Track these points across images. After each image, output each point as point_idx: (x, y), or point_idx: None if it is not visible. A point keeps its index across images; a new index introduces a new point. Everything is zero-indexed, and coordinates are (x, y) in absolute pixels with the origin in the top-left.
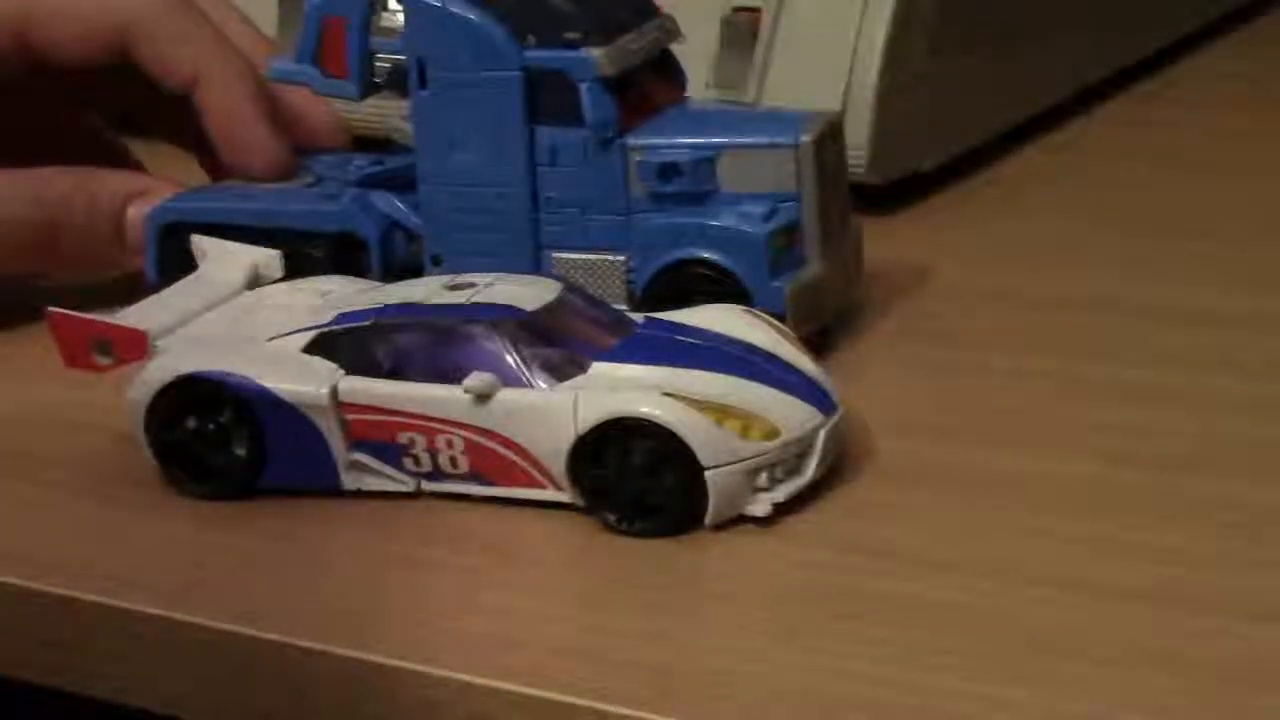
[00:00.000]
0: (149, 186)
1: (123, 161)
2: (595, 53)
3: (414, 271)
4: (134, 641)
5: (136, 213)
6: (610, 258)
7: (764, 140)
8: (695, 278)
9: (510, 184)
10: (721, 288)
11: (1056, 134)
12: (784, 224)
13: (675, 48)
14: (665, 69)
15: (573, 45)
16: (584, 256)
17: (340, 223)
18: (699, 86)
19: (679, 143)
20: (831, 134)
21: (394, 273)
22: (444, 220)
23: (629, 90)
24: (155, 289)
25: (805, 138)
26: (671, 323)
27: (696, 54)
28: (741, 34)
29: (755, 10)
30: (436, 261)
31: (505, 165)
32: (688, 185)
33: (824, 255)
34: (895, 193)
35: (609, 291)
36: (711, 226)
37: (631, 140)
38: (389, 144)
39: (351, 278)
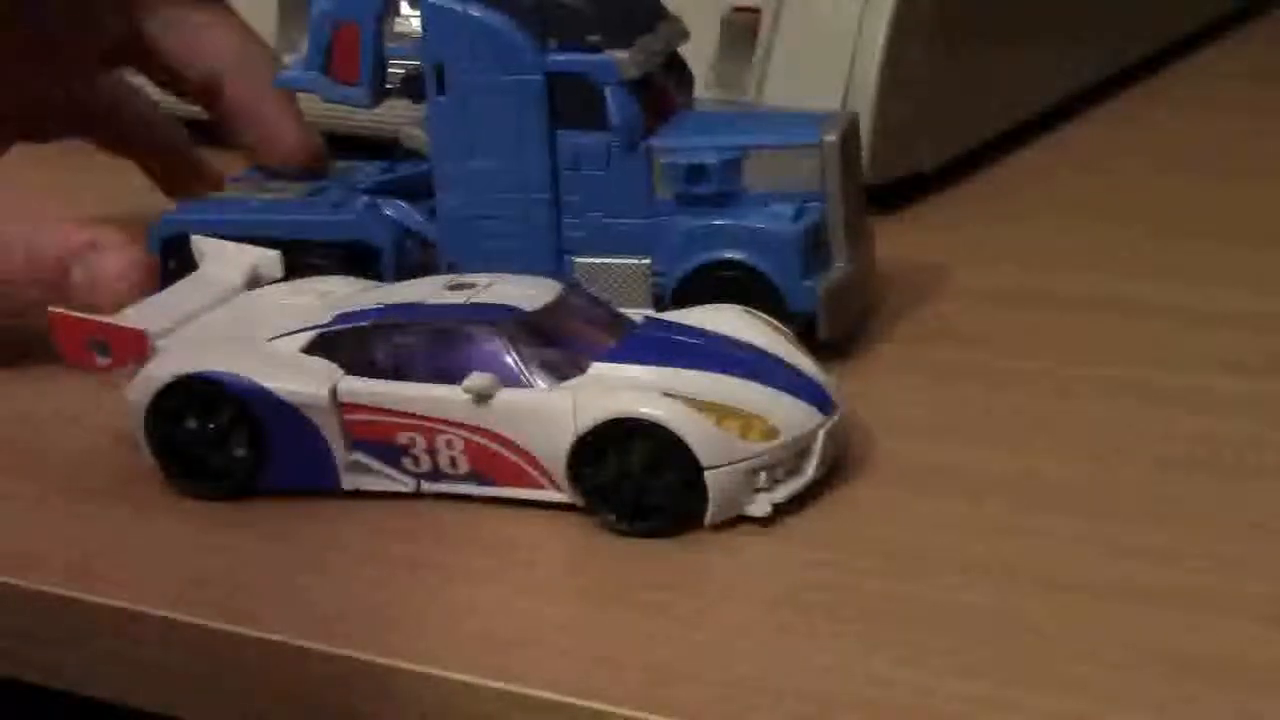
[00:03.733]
0: (92, 240)
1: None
2: (619, 56)
3: None
4: (133, 641)
5: (81, 273)
6: (635, 261)
7: (791, 140)
8: (726, 280)
9: (532, 189)
10: (753, 289)
11: (1056, 134)
12: (813, 224)
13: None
14: (676, 71)
15: (595, 48)
16: (608, 261)
17: (352, 232)
18: (699, 86)
19: (706, 145)
20: (853, 133)
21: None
22: (463, 226)
23: (647, 93)
24: None
25: (830, 137)
26: (671, 323)
27: (696, 54)
28: (741, 34)
29: (755, 10)
30: (454, 269)
31: (527, 170)
32: (715, 187)
33: (850, 255)
34: (895, 193)
35: (634, 296)
36: (743, 228)
37: (656, 143)
38: (395, 146)
39: (351, 278)
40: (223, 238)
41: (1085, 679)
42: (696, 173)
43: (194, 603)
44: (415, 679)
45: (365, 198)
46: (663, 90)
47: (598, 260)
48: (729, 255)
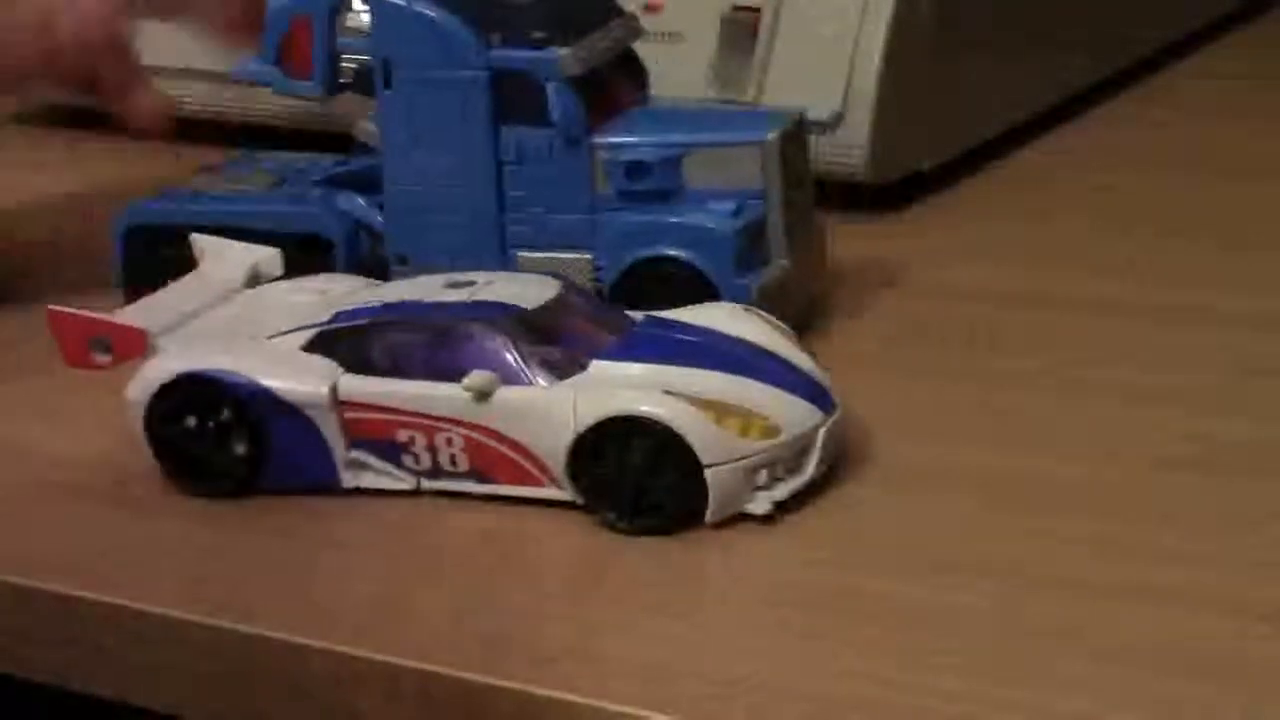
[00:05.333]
0: None
1: None
2: (561, 52)
3: (378, 271)
4: (134, 641)
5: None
6: (576, 256)
7: (730, 138)
8: (663, 275)
9: (476, 183)
10: (689, 285)
11: (1056, 134)
12: (751, 221)
13: (675, 47)
14: (629, 68)
15: (539, 45)
16: (550, 255)
17: (306, 224)
18: (699, 86)
19: (646, 141)
20: (796, 132)
21: (359, 273)
22: (410, 220)
23: (594, 89)
24: (121, 290)
25: (770, 135)
26: (671, 321)
27: (696, 54)
28: (741, 34)
29: (755, 10)
30: (402, 261)
31: (471, 165)
32: (655, 184)
33: (790, 251)
34: (895, 193)
35: None
36: (679, 224)
37: (598, 139)
38: (351, 142)
39: (352, 277)
40: (181, 229)
41: (1085, 679)
42: (636, 169)
43: (194, 601)
44: (415, 676)
45: (319, 190)
46: (612, 87)
47: (540, 255)
48: (665, 251)
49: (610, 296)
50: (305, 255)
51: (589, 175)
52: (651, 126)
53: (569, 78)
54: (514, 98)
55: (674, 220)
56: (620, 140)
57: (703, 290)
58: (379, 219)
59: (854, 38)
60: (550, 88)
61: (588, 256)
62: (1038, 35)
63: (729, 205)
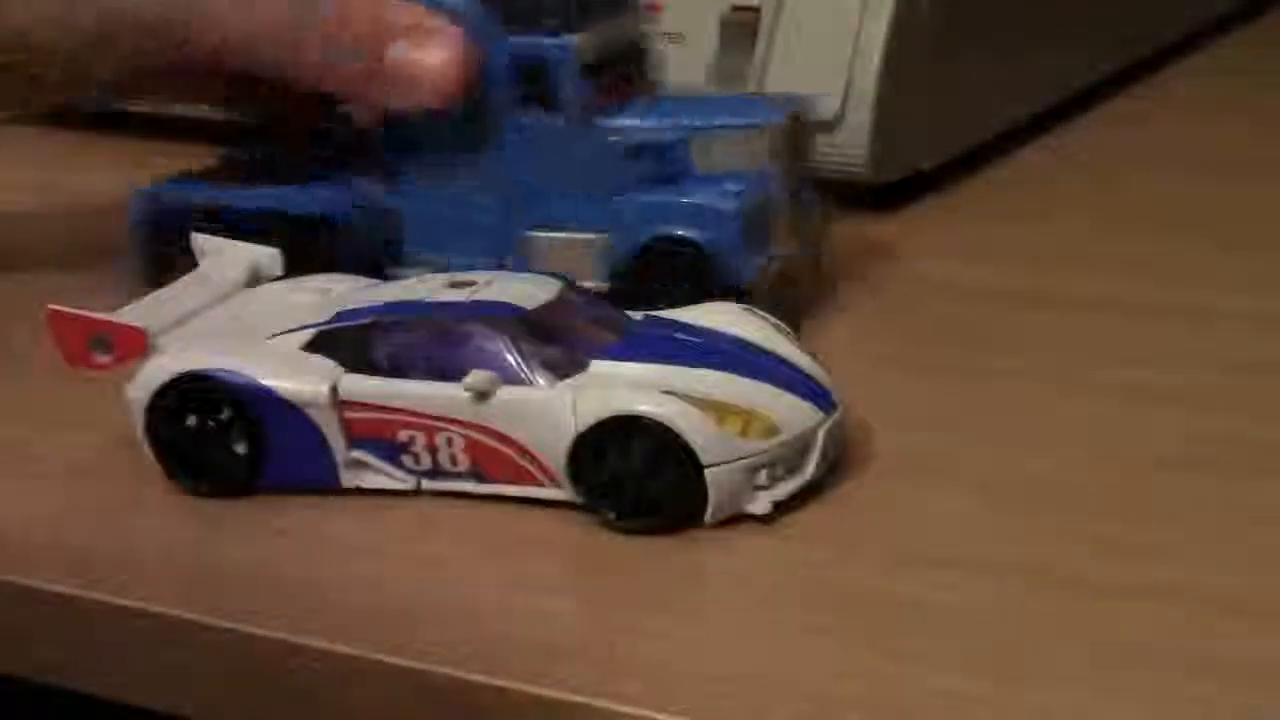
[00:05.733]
0: (415, 22)
1: None
2: (574, 39)
3: (385, 254)
4: (134, 640)
5: (399, 52)
6: (586, 236)
7: (737, 121)
8: (670, 255)
9: (488, 169)
10: (696, 265)
11: (1056, 134)
12: (756, 202)
13: (675, 47)
14: (638, 57)
15: (552, 31)
16: (560, 236)
17: (307, 205)
18: (699, 87)
19: (654, 125)
20: (801, 118)
21: (365, 256)
22: (420, 203)
23: (605, 76)
24: (143, 276)
25: (775, 119)
26: (671, 320)
27: (696, 54)
28: (741, 33)
29: (754, 10)
30: (410, 246)
31: (482, 149)
32: (663, 166)
33: (795, 235)
34: (895, 193)
35: (586, 270)
36: (686, 204)
37: (609, 123)
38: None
39: (352, 275)
40: (190, 211)
41: (1085, 678)
42: (645, 152)
43: (194, 601)
44: (414, 677)
45: (325, 173)
46: (621, 75)
47: (550, 235)
48: (672, 231)
49: (620, 275)
50: (311, 237)
51: (599, 159)
52: (660, 111)
53: (581, 64)
54: (527, 83)
55: (680, 200)
56: (628, 124)
57: (709, 270)
58: (388, 202)
59: (854, 38)
60: (564, 74)
61: (597, 237)
62: (1038, 35)
63: (735, 186)
